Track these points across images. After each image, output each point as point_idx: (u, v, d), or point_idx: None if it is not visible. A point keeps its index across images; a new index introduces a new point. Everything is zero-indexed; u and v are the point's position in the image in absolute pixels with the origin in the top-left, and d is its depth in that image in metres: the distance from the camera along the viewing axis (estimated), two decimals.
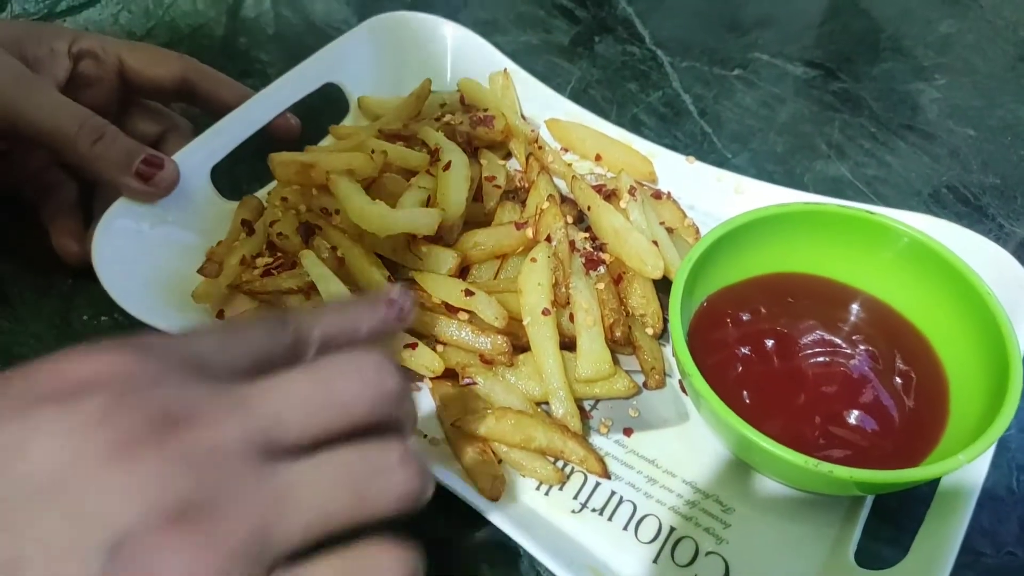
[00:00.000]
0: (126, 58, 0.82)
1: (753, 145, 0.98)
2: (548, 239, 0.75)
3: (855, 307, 0.74)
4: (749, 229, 0.72)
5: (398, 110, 0.92)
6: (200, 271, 0.76)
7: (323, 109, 0.95)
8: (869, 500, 0.66)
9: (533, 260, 0.73)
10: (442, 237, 0.76)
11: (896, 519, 0.66)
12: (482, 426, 0.65)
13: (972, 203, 0.91)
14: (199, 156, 0.84)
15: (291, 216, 0.80)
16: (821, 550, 0.63)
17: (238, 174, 0.89)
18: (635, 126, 0.99)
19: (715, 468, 0.68)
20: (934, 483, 0.64)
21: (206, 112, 0.88)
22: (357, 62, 0.97)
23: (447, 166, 0.78)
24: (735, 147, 0.98)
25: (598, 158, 0.91)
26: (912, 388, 0.69)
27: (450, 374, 0.71)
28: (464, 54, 1.00)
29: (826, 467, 0.56)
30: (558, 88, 0.99)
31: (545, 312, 0.70)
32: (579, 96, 1.04)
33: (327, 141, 0.94)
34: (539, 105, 0.96)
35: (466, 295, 0.71)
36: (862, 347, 0.70)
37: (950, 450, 0.60)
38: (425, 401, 0.71)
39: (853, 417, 0.66)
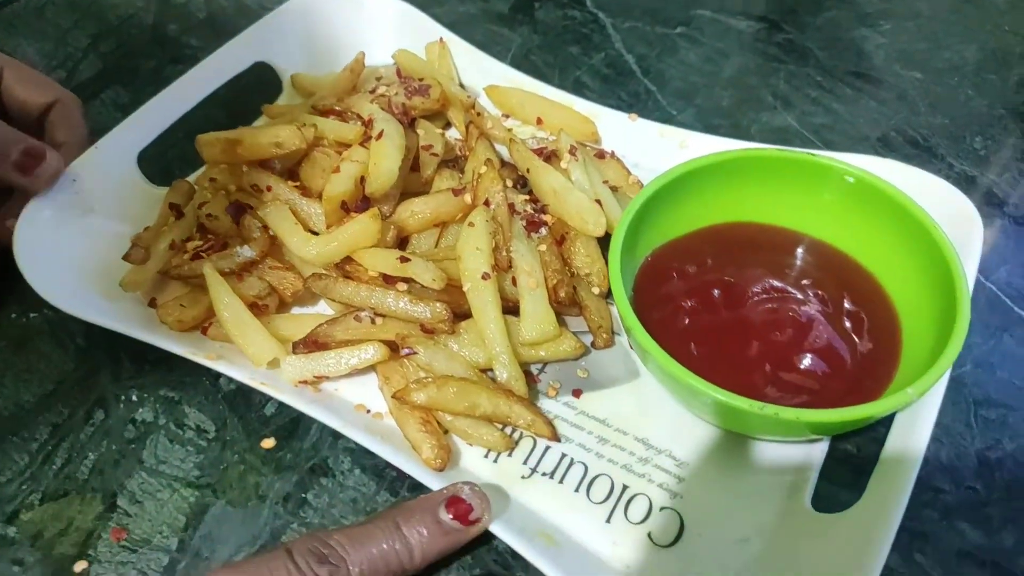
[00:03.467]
0: (5, 73, 0.78)
1: (698, 101, 0.96)
2: (487, 203, 0.73)
3: (801, 251, 0.72)
4: (689, 179, 0.70)
5: (332, 85, 0.90)
6: (126, 257, 0.74)
7: (255, 89, 0.93)
8: (824, 446, 0.65)
9: (471, 225, 0.71)
10: (377, 206, 0.73)
11: (853, 462, 0.65)
12: (423, 395, 0.63)
13: (921, 145, 0.90)
14: (124, 142, 0.81)
15: (221, 197, 0.77)
16: (777, 498, 0.61)
17: (169, 159, 0.86)
18: (578, 88, 0.97)
19: (667, 424, 0.66)
20: (888, 423, 0.62)
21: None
22: (288, 39, 0.94)
23: (379, 135, 0.76)
24: (680, 104, 0.96)
25: (539, 122, 0.88)
26: (863, 329, 0.67)
27: (392, 346, 0.68)
28: (400, 27, 0.97)
29: (771, 409, 0.55)
30: (498, 56, 0.97)
31: (485, 276, 0.68)
32: (520, 62, 1.02)
33: (260, 122, 0.91)
34: (478, 73, 0.94)
35: (401, 262, 0.68)
36: (811, 291, 0.69)
37: (903, 388, 0.59)
38: (370, 377, 0.69)
39: (804, 362, 0.65)
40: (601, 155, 0.84)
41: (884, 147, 0.90)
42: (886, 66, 1.00)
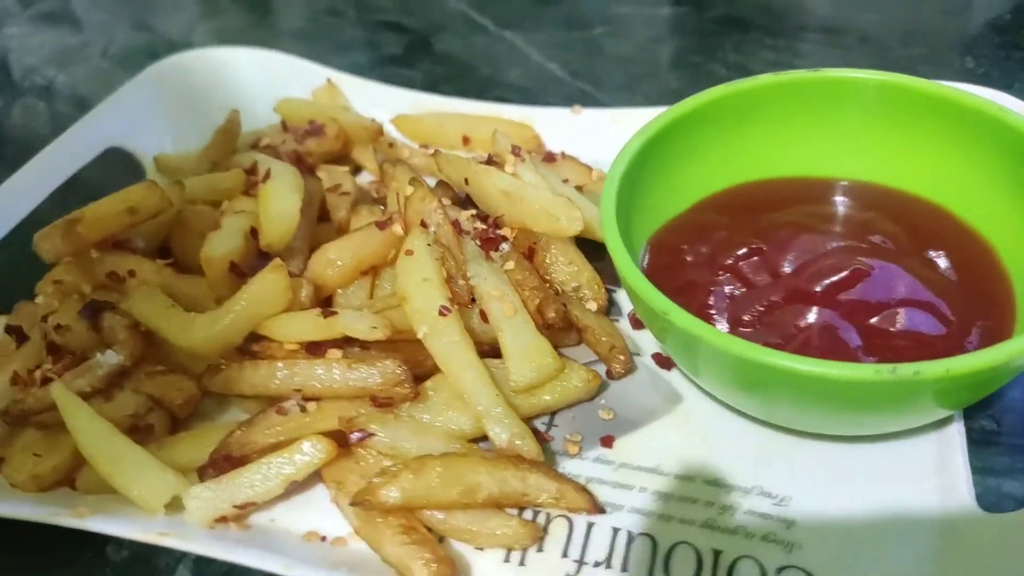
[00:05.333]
0: None
1: (643, 88, 0.83)
2: (424, 225, 0.55)
3: (840, 199, 0.56)
4: (681, 129, 0.54)
5: (204, 153, 0.72)
6: None
7: (109, 182, 0.74)
8: (959, 428, 0.46)
9: (409, 253, 0.52)
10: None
11: (1003, 441, 0.46)
12: (395, 490, 0.43)
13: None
14: None
15: (72, 301, 0.57)
16: (931, 509, 0.42)
17: (4, 282, 0.66)
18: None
19: (741, 450, 0.47)
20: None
21: None
22: (144, 117, 0.77)
23: (265, 176, 0.58)
24: (624, 96, 0.82)
25: (466, 141, 0.72)
26: (952, 266, 0.50)
27: (336, 437, 0.48)
28: (276, 81, 0.81)
29: (909, 368, 0.37)
30: None
31: (443, 311, 0.49)
32: None
33: None
34: (379, 107, 0.77)
35: (325, 318, 0.49)
36: (870, 238, 0.52)
37: None
38: (316, 490, 0.48)
39: (897, 318, 0.47)
40: (551, 158, 0.68)
41: None
42: (837, 14, 0.89)
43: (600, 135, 0.70)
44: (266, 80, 0.82)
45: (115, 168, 0.75)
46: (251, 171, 0.61)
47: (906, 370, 0.37)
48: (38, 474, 0.50)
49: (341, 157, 0.72)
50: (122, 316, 0.54)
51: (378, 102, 0.78)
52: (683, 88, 0.82)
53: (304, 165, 0.68)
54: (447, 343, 0.49)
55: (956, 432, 0.46)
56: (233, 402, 0.54)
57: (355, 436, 0.46)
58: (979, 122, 0.51)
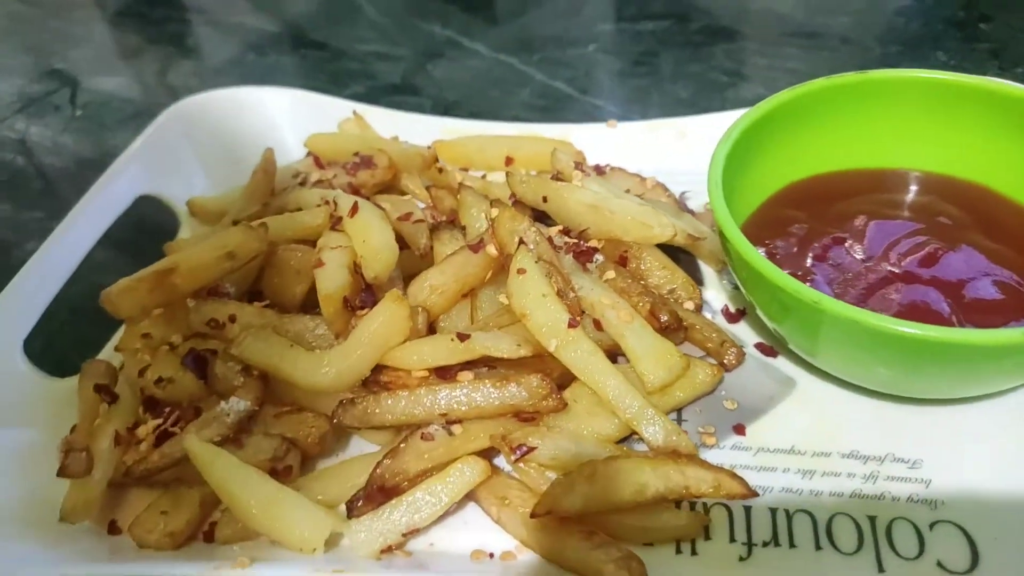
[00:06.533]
0: None
1: (655, 99, 0.87)
2: (522, 243, 0.57)
3: (898, 186, 0.61)
4: (755, 131, 0.58)
5: (248, 194, 0.71)
6: (61, 472, 0.49)
7: (144, 232, 0.72)
8: None
9: (521, 272, 0.54)
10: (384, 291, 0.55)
11: None
12: (577, 497, 0.44)
13: None
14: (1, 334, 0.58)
15: (167, 355, 0.55)
16: None
17: (57, 343, 0.64)
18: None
19: (862, 423, 0.51)
20: None
21: None
22: (169, 162, 0.75)
23: (352, 211, 0.58)
24: (637, 107, 0.86)
25: (509, 161, 0.74)
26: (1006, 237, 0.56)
27: (484, 456, 0.49)
28: (299, 117, 0.81)
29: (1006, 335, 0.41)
30: None
31: (571, 324, 0.51)
32: None
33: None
34: (410, 136, 0.78)
35: (459, 341, 0.50)
36: (937, 220, 0.57)
37: None
38: (468, 510, 0.49)
39: (978, 288, 0.52)
40: (599, 170, 0.71)
41: None
42: (810, 20, 0.96)
43: (640, 145, 0.74)
44: (286, 116, 0.81)
45: (147, 218, 0.73)
46: (330, 204, 0.61)
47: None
48: (172, 531, 0.49)
49: (388, 187, 0.73)
50: (233, 362, 0.53)
51: (407, 129, 0.79)
52: (692, 96, 0.87)
53: (360, 196, 0.68)
54: (582, 354, 0.50)
55: None
56: (353, 435, 0.54)
57: (518, 452, 0.47)
58: (1014, 108, 0.57)
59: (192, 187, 0.76)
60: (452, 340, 0.51)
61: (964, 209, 0.58)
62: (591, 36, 0.99)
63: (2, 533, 0.49)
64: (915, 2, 0.97)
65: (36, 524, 0.50)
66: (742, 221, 0.59)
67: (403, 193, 0.74)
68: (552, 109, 0.88)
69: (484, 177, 0.73)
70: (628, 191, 0.66)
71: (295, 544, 0.47)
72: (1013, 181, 0.58)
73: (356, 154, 0.72)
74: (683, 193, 0.69)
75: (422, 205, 0.73)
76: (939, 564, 0.44)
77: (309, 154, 0.77)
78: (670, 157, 0.72)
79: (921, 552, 0.45)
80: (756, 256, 0.49)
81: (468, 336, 0.51)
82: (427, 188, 0.72)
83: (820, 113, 0.61)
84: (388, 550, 0.47)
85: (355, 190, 0.68)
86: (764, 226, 0.59)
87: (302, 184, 0.71)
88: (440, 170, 0.73)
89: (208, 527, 0.50)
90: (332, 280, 0.54)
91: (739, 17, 0.99)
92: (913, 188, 0.61)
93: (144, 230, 0.72)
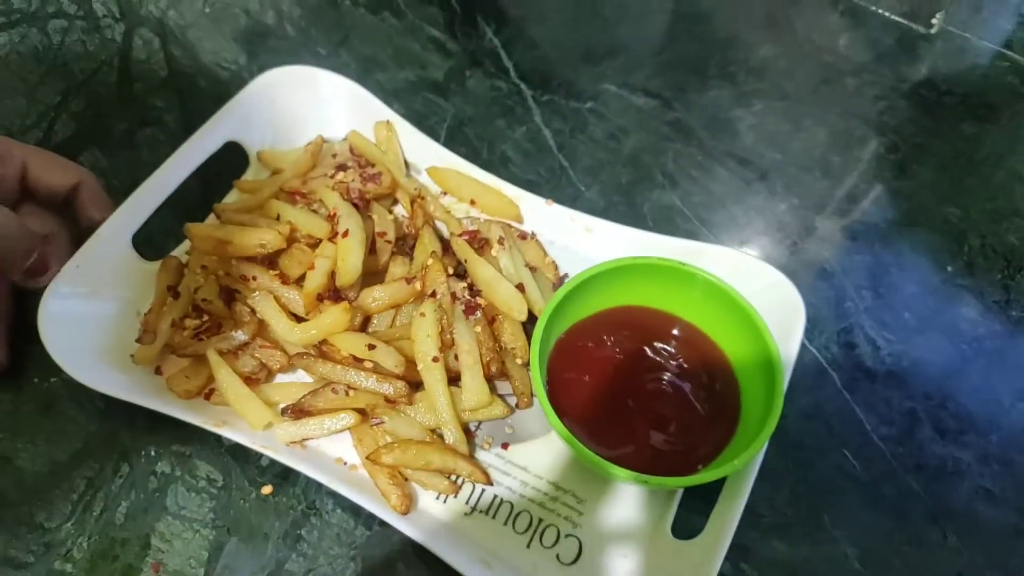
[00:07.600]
0: (30, 163, 0.91)
1: (602, 178, 1.16)
2: (434, 294, 0.92)
3: (676, 331, 0.95)
4: (592, 280, 0.92)
5: (295, 166, 1.06)
6: (139, 340, 0.90)
7: (225, 165, 1.07)
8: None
9: (422, 315, 0.90)
10: (345, 295, 0.92)
11: (705, 495, 0.89)
12: (391, 458, 0.83)
13: (774, 223, 1.13)
14: (120, 227, 0.95)
15: (212, 282, 0.93)
16: (648, 526, 0.86)
17: (154, 233, 1.01)
18: (503, 162, 1.16)
19: (571, 471, 0.89)
20: None
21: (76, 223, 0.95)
22: (253, 119, 1.09)
23: (345, 233, 0.93)
24: (587, 180, 1.16)
25: (473, 202, 1.07)
26: (715, 397, 0.91)
27: (361, 413, 0.88)
28: (351, 105, 1.13)
29: (642, 478, 0.78)
30: (436, 126, 1.15)
31: (435, 359, 0.88)
32: (455, 134, 1.19)
33: (232, 195, 1.06)
34: (420, 152, 1.11)
35: (369, 348, 0.88)
36: (681, 365, 0.92)
37: (741, 445, 0.83)
38: (344, 437, 0.89)
39: (671, 427, 0.88)
40: (524, 236, 1.04)
41: (748, 226, 1.13)
42: (754, 147, 1.21)
43: (560, 227, 1.02)
44: (342, 101, 1.12)
45: (230, 155, 1.07)
46: (332, 218, 0.96)
47: (641, 478, 0.78)
48: (188, 389, 0.89)
49: (387, 194, 1.07)
50: (247, 306, 0.92)
51: (419, 147, 1.11)
52: (628, 186, 1.16)
53: (363, 200, 1.03)
54: (433, 378, 0.87)
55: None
56: (300, 369, 0.94)
57: (375, 421, 0.86)
58: (740, 312, 0.89)
59: (264, 140, 1.10)
60: (366, 345, 0.88)
61: (696, 354, 0.92)
62: (594, 92, 1.23)
63: (100, 356, 0.89)
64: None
65: (118, 357, 0.90)
66: (573, 323, 0.94)
67: (396, 201, 1.08)
68: (531, 155, 1.16)
69: (449, 211, 1.07)
70: (527, 264, 1.01)
71: (248, 422, 0.87)
72: (723, 340, 0.92)
73: (372, 166, 1.06)
74: (565, 275, 1.03)
75: (404, 214, 1.07)
76: (557, 556, 0.84)
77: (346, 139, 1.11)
78: (576, 243, 1.04)
79: (553, 545, 0.84)
80: (535, 357, 0.84)
81: (375, 347, 0.88)
82: (412, 203, 1.06)
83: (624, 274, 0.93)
84: (295, 442, 0.88)
85: (362, 195, 1.03)
86: (583, 331, 0.94)
87: (331, 176, 1.05)
88: (422, 197, 1.06)
89: (208, 391, 0.91)
90: (314, 281, 0.90)
91: (708, 121, 1.20)
92: (674, 331, 0.95)
93: (223, 165, 1.07)
